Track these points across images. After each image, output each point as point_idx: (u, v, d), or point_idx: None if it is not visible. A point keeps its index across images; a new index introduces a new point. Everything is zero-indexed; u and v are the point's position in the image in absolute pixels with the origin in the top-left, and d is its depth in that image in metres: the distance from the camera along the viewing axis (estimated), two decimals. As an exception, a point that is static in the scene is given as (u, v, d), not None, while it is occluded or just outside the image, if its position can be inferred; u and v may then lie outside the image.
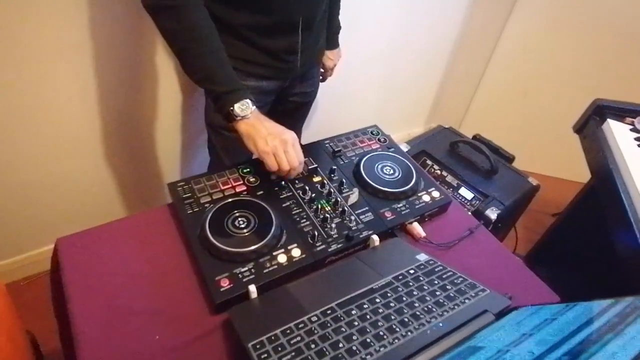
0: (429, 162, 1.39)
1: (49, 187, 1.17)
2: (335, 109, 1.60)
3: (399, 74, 1.79)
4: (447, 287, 0.56)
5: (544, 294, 0.71)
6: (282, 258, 0.65)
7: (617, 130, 1.06)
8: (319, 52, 1.05)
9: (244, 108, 0.72)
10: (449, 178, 1.34)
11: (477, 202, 1.26)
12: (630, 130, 1.07)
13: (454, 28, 1.80)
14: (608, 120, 1.10)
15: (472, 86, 1.98)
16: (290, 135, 0.72)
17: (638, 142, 1.02)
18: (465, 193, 1.29)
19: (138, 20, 1.00)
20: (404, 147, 1.39)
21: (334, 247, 0.68)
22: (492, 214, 1.20)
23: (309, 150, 0.84)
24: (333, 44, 1.14)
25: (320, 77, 1.17)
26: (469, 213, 1.20)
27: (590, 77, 1.69)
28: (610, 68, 1.66)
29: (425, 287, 0.57)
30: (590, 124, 1.14)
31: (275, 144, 0.70)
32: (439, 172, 1.35)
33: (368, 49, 1.58)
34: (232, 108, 0.72)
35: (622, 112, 1.12)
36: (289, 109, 1.08)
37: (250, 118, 0.73)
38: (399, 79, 1.81)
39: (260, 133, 0.71)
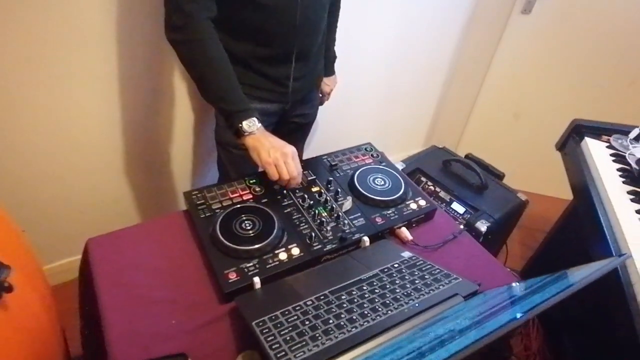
0: (423, 179, 1.48)
1: (75, 200, 1.28)
2: (335, 131, 1.72)
3: (396, 98, 1.91)
4: (425, 276, 0.64)
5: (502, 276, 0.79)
6: (283, 256, 0.74)
7: (593, 148, 1.15)
8: (316, 78, 1.17)
9: (251, 125, 0.84)
10: (442, 194, 1.42)
11: (468, 215, 1.34)
12: (607, 147, 1.16)
13: (447, 56, 1.93)
14: (586, 138, 1.19)
15: (466, 109, 2.09)
16: (290, 149, 0.82)
17: (613, 158, 1.11)
18: (457, 207, 1.38)
19: (158, 52, 1.13)
20: (399, 165, 1.48)
21: (329, 247, 0.77)
22: (482, 226, 1.28)
23: (309, 164, 0.95)
24: (329, 71, 1.26)
25: (319, 101, 1.30)
26: (461, 226, 1.29)
27: (575, 99, 1.80)
28: (592, 91, 1.78)
29: (407, 277, 0.65)
30: (570, 143, 1.24)
31: (277, 156, 0.80)
32: (432, 187, 1.44)
33: (366, 74, 1.71)
34: (241, 125, 0.84)
35: (599, 130, 1.22)
36: (291, 129, 1.19)
37: (256, 133, 0.84)
38: (396, 102, 1.93)
39: (264, 146, 0.82)
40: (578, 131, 1.24)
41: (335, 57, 1.25)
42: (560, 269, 1.48)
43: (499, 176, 1.51)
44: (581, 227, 1.04)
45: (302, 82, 1.06)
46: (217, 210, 0.80)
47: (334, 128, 1.70)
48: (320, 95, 1.29)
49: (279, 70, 1.00)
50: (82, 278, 0.77)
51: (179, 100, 1.27)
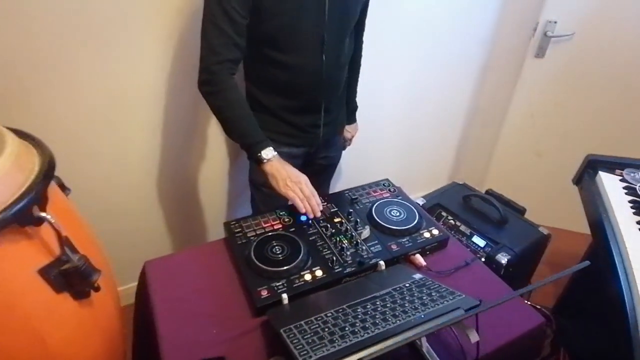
0: (443, 213, 1.55)
1: (117, 232, 1.45)
2: (358, 170, 1.84)
3: (417, 138, 2.03)
4: (432, 294, 0.72)
5: (529, 315, 0.84)
6: (307, 277, 0.84)
7: (607, 181, 1.20)
8: (339, 125, 1.31)
9: (268, 153, 0.99)
10: (462, 227, 1.48)
11: (489, 249, 1.39)
12: (620, 180, 1.20)
13: (465, 97, 2.05)
14: (600, 172, 1.24)
15: (488, 148, 2.16)
16: (303, 177, 0.98)
17: (625, 191, 1.15)
18: (478, 241, 1.43)
19: (196, 103, 1.33)
20: (420, 201, 1.57)
21: (348, 270, 0.86)
22: (503, 258, 1.32)
23: (332, 198, 1.07)
24: (351, 119, 1.39)
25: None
26: (482, 259, 1.33)
27: (591, 135, 1.85)
28: (607, 127, 1.83)
29: (416, 294, 0.73)
30: (585, 177, 1.29)
31: (292, 184, 0.96)
32: (452, 222, 1.51)
33: (387, 115, 1.84)
34: (259, 154, 0.99)
35: (613, 165, 1.27)
36: (316, 170, 1.30)
37: (273, 161, 0.99)
38: (417, 143, 2.05)
39: (281, 175, 0.97)
40: (592, 166, 1.29)
41: (356, 107, 1.39)
42: (592, 305, 1.46)
43: (520, 211, 1.55)
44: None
45: (327, 129, 1.21)
46: (252, 238, 0.93)
47: (357, 167, 1.83)
48: (343, 140, 1.42)
49: (305, 119, 1.15)
50: (139, 295, 0.91)
51: (217, 145, 1.47)
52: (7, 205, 0.48)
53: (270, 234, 0.94)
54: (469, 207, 1.56)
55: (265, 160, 0.99)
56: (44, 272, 0.52)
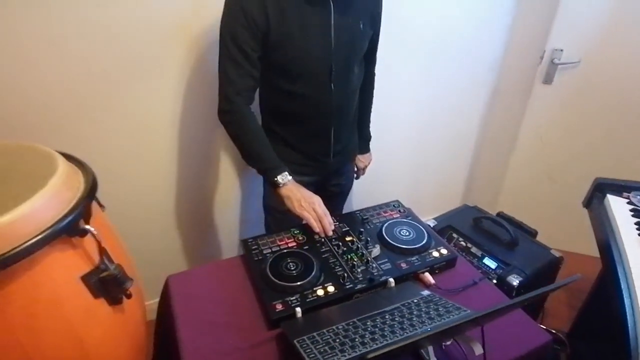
0: (454, 235, 1.58)
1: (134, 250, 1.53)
2: (369, 193, 1.89)
3: (427, 162, 2.08)
4: (439, 309, 0.76)
5: (536, 332, 0.86)
6: (320, 292, 0.89)
7: (615, 204, 1.22)
8: (350, 153, 1.36)
9: (284, 177, 1.06)
10: (474, 249, 1.51)
11: (500, 270, 1.40)
12: (627, 203, 1.22)
13: (475, 122, 2.11)
14: (608, 195, 1.27)
15: (499, 172, 2.19)
16: (316, 198, 1.04)
17: (632, 213, 1.17)
18: (489, 262, 1.45)
19: (212, 131, 1.43)
20: (431, 223, 1.60)
21: (359, 286, 0.90)
22: (514, 280, 1.34)
23: (344, 218, 1.12)
24: (364, 149, 1.43)
25: (355, 175, 1.47)
26: (493, 280, 1.35)
27: (600, 159, 1.87)
28: (616, 151, 1.86)
29: (423, 309, 0.77)
30: (594, 200, 1.31)
31: (306, 204, 1.02)
32: (463, 244, 1.53)
33: (398, 140, 1.91)
34: (275, 178, 1.05)
35: (620, 188, 1.29)
36: (328, 197, 1.31)
37: (288, 185, 1.05)
38: (428, 166, 2.10)
39: (295, 196, 1.03)
40: (601, 189, 1.31)
41: (369, 137, 1.44)
42: (605, 329, 1.46)
43: (532, 233, 1.57)
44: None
45: (338, 158, 1.27)
46: (268, 254, 0.98)
47: (368, 189, 1.88)
48: (356, 169, 1.46)
49: (316, 148, 1.22)
50: (162, 307, 0.96)
51: (232, 170, 1.56)
52: (59, 218, 0.55)
53: (285, 251, 0.99)
54: (480, 229, 1.59)
55: (281, 184, 1.06)
56: (86, 279, 0.59)
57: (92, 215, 0.62)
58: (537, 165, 2.07)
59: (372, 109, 1.41)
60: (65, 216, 0.56)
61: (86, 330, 0.59)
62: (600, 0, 1.69)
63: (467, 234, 1.56)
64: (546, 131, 1.98)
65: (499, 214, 1.67)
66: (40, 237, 0.52)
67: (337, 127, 1.21)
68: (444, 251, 1.02)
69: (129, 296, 0.63)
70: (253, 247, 1.01)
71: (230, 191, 1.62)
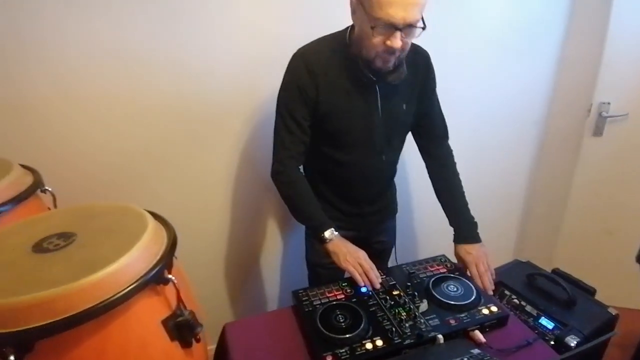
0: (506, 292, 1.52)
1: None
2: (415, 246, 1.90)
3: (476, 216, 2.06)
4: (490, 368, 0.76)
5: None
6: (369, 345, 0.91)
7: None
8: (389, 212, 1.42)
9: (330, 233, 1.12)
10: (528, 308, 1.44)
11: (558, 331, 1.33)
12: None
13: (523, 177, 2.09)
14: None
15: (554, 226, 2.11)
16: (362, 252, 1.09)
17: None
18: (546, 323, 1.38)
19: (265, 190, 1.57)
20: (481, 278, 1.56)
21: (407, 341, 0.92)
22: (572, 341, 1.26)
23: (391, 271, 1.16)
24: (464, 237, 1.25)
25: (477, 287, 1.10)
26: (551, 342, 1.29)
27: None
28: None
29: (473, 368, 0.77)
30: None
31: (352, 259, 1.07)
32: (517, 301, 1.47)
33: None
34: (322, 234, 1.12)
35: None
36: (372, 254, 1.28)
37: (334, 240, 1.11)
38: (477, 220, 2.08)
39: (342, 251, 1.09)
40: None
41: (470, 223, 1.27)
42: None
43: (590, 291, 1.48)
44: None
45: (373, 217, 1.34)
46: (317, 306, 1.03)
47: (413, 242, 1.89)
48: (466, 269, 1.21)
49: (351, 208, 1.30)
50: (219, 353, 1.03)
51: (276, 224, 1.68)
52: (149, 269, 0.66)
53: (334, 303, 1.04)
54: (534, 287, 1.52)
55: (328, 240, 1.13)
56: (165, 323, 0.68)
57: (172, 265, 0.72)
58: (593, 219, 1.98)
59: (418, 164, 1.35)
60: (154, 267, 0.67)
61: (163, 371, 0.67)
62: (643, 54, 1.70)
63: (521, 292, 1.50)
64: (601, 184, 1.92)
65: (554, 271, 1.60)
66: (135, 285, 0.63)
67: (375, 191, 1.29)
68: (494, 309, 1.02)
69: (198, 340, 0.71)
70: (304, 299, 1.06)
71: (274, 245, 1.73)
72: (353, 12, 1.02)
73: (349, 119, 1.13)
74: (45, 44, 1.16)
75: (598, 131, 1.85)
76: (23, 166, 1.03)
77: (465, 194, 1.76)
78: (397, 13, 0.89)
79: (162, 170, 1.43)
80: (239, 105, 1.45)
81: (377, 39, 0.95)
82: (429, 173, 1.34)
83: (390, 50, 0.96)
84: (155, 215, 0.81)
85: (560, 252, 2.11)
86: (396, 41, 0.93)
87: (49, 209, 1.04)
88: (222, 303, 1.75)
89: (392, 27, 0.92)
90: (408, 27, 0.93)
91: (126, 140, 1.35)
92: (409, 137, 1.31)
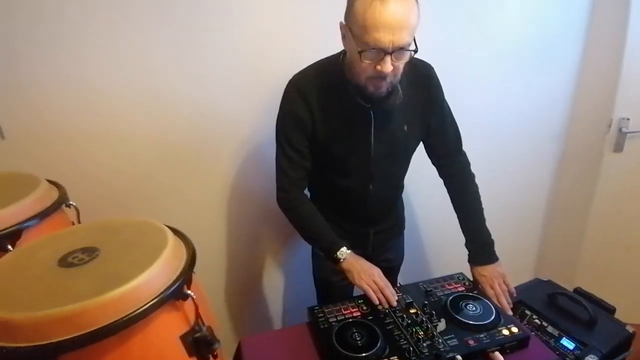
0: (527, 312, 1.48)
1: None
2: (431, 262, 1.87)
3: (494, 233, 2.02)
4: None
5: None
6: (386, 365, 0.90)
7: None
8: (394, 231, 1.41)
9: (342, 253, 1.11)
10: (550, 328, 1.40)
11: (578, 351, 1.29)
12: None
13: (543, 190, 2.05)
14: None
15: (574, 244, 2.06)
16: (376, 269, 1.09)
17: None
18: (567, 343, 1.33)
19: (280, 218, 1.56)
20: (500, 296, 1.53)
21: (425, 361, 0.90)
22: (593, 362, 1.22)
23: (407, 289, 1.14)
24: (477, 259, 1.22)
25: (497, 307, 1.07)
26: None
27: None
28: None
29: (494, 391, 0.75)
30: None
31: (366, 276, 1.06)
32: (537, 321, 1.43)
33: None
34: (335, 255, 1.11)
35: None
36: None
37: (347, 258, 1.11)
38: (495, 237, 2.04)
39: (356, 269, 1.08)
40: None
41: (484, 244, 1.23)
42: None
43: (609, 310, 1.45)
44: None
45: (378, 236, 1.33)
46: (333, 323, 1.03)
47: (430, 259, 1.87)
48: (482, 288, 1.19)
49: (359, 228, 1.30)
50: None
51: (283, 241, 1.70)
52: (169, 284, 0.67)
53: (350, 320, 1.03)
54: (555, 306, 1.48)
55: (341, 260, 1.12)
56: (184, 338, 0.68)
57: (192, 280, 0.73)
58: (614, 235, 1.93)
59: (435, 181, 1.32)
60: (174, 282, 0.68)
61: (180, 387, 0.67)
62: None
63: (542, 311, 1.46)
64: (622, 200, 1.87)
65: (576, 290, 1.56)
66: (155, 300, 0.64)
67: (376, 214, 1.29)
68: (514, 329, 0.99)
69: (215, 356, 0.71)
70: (319, 315, 1.06)
71: (281, 260, 1.74)
72: (343, 37, 1.00)
73: (345, 145, 1.13)
74: (77, 73, 1.23)
75: (619, 147, 1.82)
76: (49, 181, 1.06)
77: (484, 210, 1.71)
78: (385, 37, 0.86)
79: (173, 187, 1.47)
80: (242, 126, 1.48)
81: (367, 64, 0.93)
82: (447, 190, 1.32)
83: (381, 75, 0.93)
84: (175, 231, 0.83)
85: (581, 269, 2.06)
86: (386, 65, 0.90)
87: (73, 223, 1.06)
88: (228, 318, 1.76)
89: (382, 52, 0.89)
90: (398, 51, 0.90)
91: (142, 159, 1.40)
92: (419, 148, 1.29)
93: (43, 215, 0.92)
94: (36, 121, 1.23)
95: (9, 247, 0.84)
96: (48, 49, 1.18)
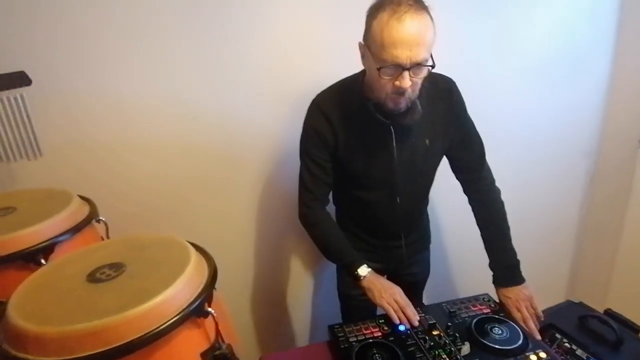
0: (557, 335, 1.42)
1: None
2: (456, 282, 1.82)
3: (524, 253, 1.94)
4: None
5: None
6: (408, 389, 0.88)
7: None
8: (423, 243, 1.40)
9: (363, 270, 1.11)
10: (579, 352, 1.34)
11: (607, 374, 1.22)
12: None
13: (574, 208, 1.98)
14: None
15: (607, 264, 1.96)
16: (397, 288, 1.08)
17: None
18: (598, 368, 1.27)
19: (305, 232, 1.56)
20: (528, 319, 1.47)
21: (449, 386, 0.88)
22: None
23: (429, 309, 1.12)
24: (501, 281, 1.19)
25: (524, 331, 1.05)
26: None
27: None
28: None
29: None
30: None
31: (387, 295, 1.05)
32: (568, 345, 1.37)
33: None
34: (356, 272, 1.11)
35: None
36: (403, 286, 1.24)
37: (368, 276, 1.10)
38: (525, 257, 1.96)
39: (376, 288, 1.07)
40: None
41: (508, 265, 1.20)
42: None
43: (636, 330, 1.38)
44: None
45: (409, 249, 1.31)
46: (354, 343, 1.01)
47: (455, 278, 1.82)
48: (508, 311, 1.15)
49: (386, 243, 1.30)
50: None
51: (309, 256, 1.69)
52: (191, 301, 0.68)
53: (370, 340, 1.01)
54: (586, 329, 1.41)
55: (362, 278, 1.11)
56: (204, 355, 0.69)
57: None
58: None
59: (460, 198, 1.29)
60: (196, 299, 0.69)
61: (200, 404, 0.67)
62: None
63: (572, 335, 1.39)
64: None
65: (606, 312, 1.49)
66: (178, 317, 0.65)
67: (404, 227, 1.27)
68: (542, 355, 0.95)
69: (235, 375, 0.72)
70: (339, 334, 1.05)
71: (306, 277, 1.74)
72: (362, 57, 1.02)
73: (367, 162, 1.14)
74: (110, 92, 1.30)
75: (653, 162, 1.74)
76: (80, 197, 1.11)
77: (513, 230, 1.63)
78: (402, 53, 0.89)
79: (198, 202, 1.50)
80: (267, 141, 1.51)
81: (386, 80, 0.95)
82: (471, 207, 1.29)
83: (400, 91, 0.95)
84: (196, 247, 0.84)
85: (613, 290, 1.96)
86: (405, 81, 0.92)
87: (102, 238, 1.10)
88: (252, 335, 1.75)
89: (399, 68, 0.91)
90: (416, 66, 0.92)
91: (168, 177, 1.44)
92: (444, 162, 1.27)
93: (75, 230, 0.96)
94: (68, 138, 1.30)
95: (42, 260, 0.88)
96: (86, 67, 1.25)
